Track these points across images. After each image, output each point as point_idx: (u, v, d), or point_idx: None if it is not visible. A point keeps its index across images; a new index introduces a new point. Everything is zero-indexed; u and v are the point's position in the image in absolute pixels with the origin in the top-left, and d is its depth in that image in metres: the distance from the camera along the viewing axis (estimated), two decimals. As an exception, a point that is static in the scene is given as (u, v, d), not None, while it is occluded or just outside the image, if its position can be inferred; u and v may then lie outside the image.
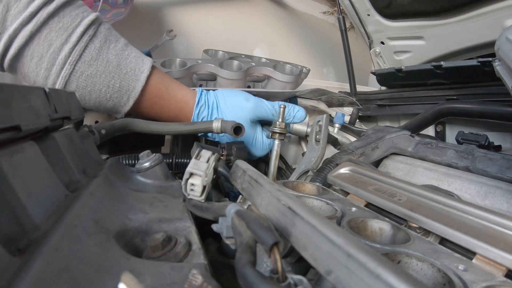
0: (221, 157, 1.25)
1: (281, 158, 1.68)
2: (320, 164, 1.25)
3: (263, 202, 0.62)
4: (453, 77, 1.48)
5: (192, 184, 0.71)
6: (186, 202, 0.73)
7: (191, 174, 0.72)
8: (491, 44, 1.04)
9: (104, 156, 1.24)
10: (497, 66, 0.92)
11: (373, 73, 1.91)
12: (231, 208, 0.57)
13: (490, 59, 1.17)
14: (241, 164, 0.79)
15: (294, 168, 1.43)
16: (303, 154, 1.58)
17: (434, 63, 1.45)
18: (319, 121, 1.35)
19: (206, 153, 0.75)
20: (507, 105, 1.16)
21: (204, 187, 0.72)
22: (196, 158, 0.74)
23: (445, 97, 1.50)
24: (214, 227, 0.59)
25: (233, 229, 0.54)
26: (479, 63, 1.28)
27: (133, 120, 1.15)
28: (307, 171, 1.25)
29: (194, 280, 0.39)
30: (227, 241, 0.56)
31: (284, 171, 1.69)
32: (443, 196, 0.79)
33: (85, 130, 0.97)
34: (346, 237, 0.42)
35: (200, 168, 0.71)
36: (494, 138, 1.29)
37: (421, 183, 1.06)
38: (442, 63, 1.42)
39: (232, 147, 1.30)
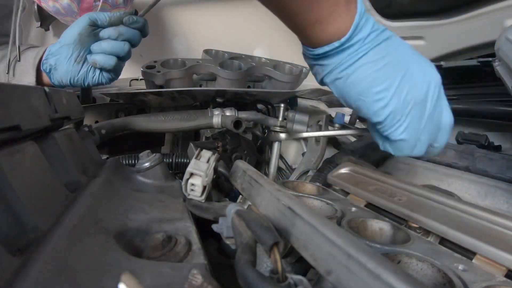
0: (217, 149, 1.25)
1: (281, 158, 1.68)
2: (320, 164, 1.25)
3: (263, 202, 0.62)
4: (453, 77, 1.48)
5: (193, 184, 0.71)
6: (186, 202, 0.73)
7: (192, 174, 0.72)
8: (491, 44, 1.04)
9: (104, 156, 1.24)
10: (497, 66, 0.92)
11: (373, 73, 1.91)
12: (231, 208, 0.57)
13: (490, 59, 1.17)
14: (241, 164, 0.79)
15: (294, 168, 1.43)
16: (303, 154, 1.58)
17: (434, 63, 1.45)
18: (319, 121, 1.35)
19: (206, 153, 0.75)
20: (507, 105, 1.16)
21: (205, 187, 0.72)
22: (196, 158, 0.74)
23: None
24: (214, 227, 0.59)
25: (233, 229, 0.54)
26: (479, 63, 1.28)
27: (133, 119, 1.15)
28: (307, 171, 1.25)
29: (194, 280, 0.39)
30: (227, 241, 0.56)
31: (284, 171, 1.69)
32: (443, 196, 0.79)
33: (85, 130, 0.97)
34: (346, 237, 0.42)
35: (200, 168, 0.71)
36: (494, 138, 1.28)
37: (421, 183, 1.06)
38: (442, 63, 1.42)
39: (225, 135, 1.30)
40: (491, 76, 1.04)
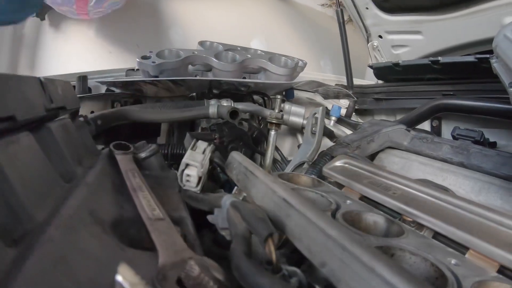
0: (215, 140, 1.25)
1: (277, 150, 1.68)
2: (316, 157, 1.25)
3: (259, 194, 0.62)
4: (450, 72, 1.48)
5: (188, 175, 0.71)
6: (182, 193, 0.73)
7: (187, 165, 0.72)
8: (489, 41, 1.04)
9: (100, 147, 1.24)
10: (495, 63, 0.92)
11: (371, 67, 1.91)
12: (227, 199, 0.57)
13: (488, 55, 1.17)
14: (237, 155, 0.79)
15: (290, 160, 1.43)
16: (298, 146, 1.59)
17: (431, 58, 1.46)
18: (315, 113, 1.35)
19: (202, 144, 0.75)
20: (503, 102, 1.17)
21: (200, 178, 0.72)
22: (192, 149, 0.74)
23: (442, 92, 1.50)
24: (210, 218, 0.59)
25: (228, 220, 0.54)
26: (476, 60, 1.28)
27: (129, 109, 1.15)
28: (303, 163, 1.25)
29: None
30: (222, 232, 0.57)
31: (279, 162, 1.70)
32: (437, 190, 0.80)
33: (81, 120, 0.97)
34: (340, 230, 0.43)
35: (196, 159, 0.71)
36: (490, 134, 1.29)
37: (416, 177, 1.06)
38: (439, 58, 1.42)
39: (223, 128, 1.30)
40: (488, 73, 1.05)
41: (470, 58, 1.32)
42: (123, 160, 0.78)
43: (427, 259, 0.58)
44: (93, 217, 0.53)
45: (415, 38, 1.91)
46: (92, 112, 1.40)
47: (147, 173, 0.85)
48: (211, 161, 0.79)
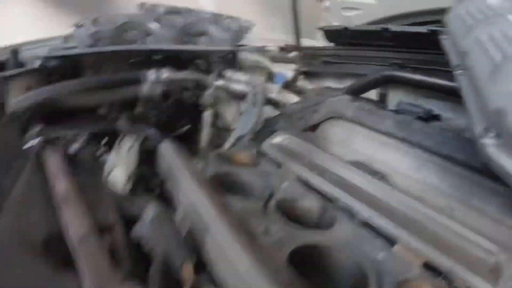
0: (152, 119, 1.19)
1: (218, 118, 1.62)
2: (257, 129, 1.22)
3: (184, 199, 0.60)
4: (401, 41, 1.46)
5: (115, 178, 0.68)
6: (112, 196, 0.70)
7: (113, 166, 0.68)
8: (443, 11, 1.03)
9: (37, 128, 1.15)
10: (444, 39, 0.92)
11: (320, 29, 1.87)
12: (150, 212, 0.55)
13: (439, 28, 1.16)
14: (164, 148, 0.74)
15: (233, 129, 1.40)
16: (240, 115, 1.54)
17: (381, 26, 1.43)
18: (256, 86, 1.32)
19: (127, 142, 0.71)
20: (447, 78, 1.16)
21: (129, 178, 0.69)
22: (118, 146, 0.71)
23: (391, 59, 1.48)
24: (134, 232, 0.57)
25: (149, 237, 0.53)
26: (428, 31, 1.27)
27: (53, 99, 1.04)
28: (243, 136, 1.23)
29: None
30: (146, 249, 0.55)
31: (221, 131, 1.64)
32: (373, 178, 0.81)
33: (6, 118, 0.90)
34: (253, 263, 0.42)
35: (121, 159, 0.68)
36: (436, 106, 1.30)
37: (357, 150, 1.06)
38: (389, 26, 1.40)
39: (161, 105, 1.24)
40: (437, 45, 1.04)
41: (422, 29, 1.30)
42: (52, 160, 0.73)
43: (352, 257, 0.59)
44: (23, 240, 0.51)
45: (368, 2, 1.87)
46: (29, 87, 1.29)
47: (79, 168, 0.80)
48: (142, 153, 0.76)
